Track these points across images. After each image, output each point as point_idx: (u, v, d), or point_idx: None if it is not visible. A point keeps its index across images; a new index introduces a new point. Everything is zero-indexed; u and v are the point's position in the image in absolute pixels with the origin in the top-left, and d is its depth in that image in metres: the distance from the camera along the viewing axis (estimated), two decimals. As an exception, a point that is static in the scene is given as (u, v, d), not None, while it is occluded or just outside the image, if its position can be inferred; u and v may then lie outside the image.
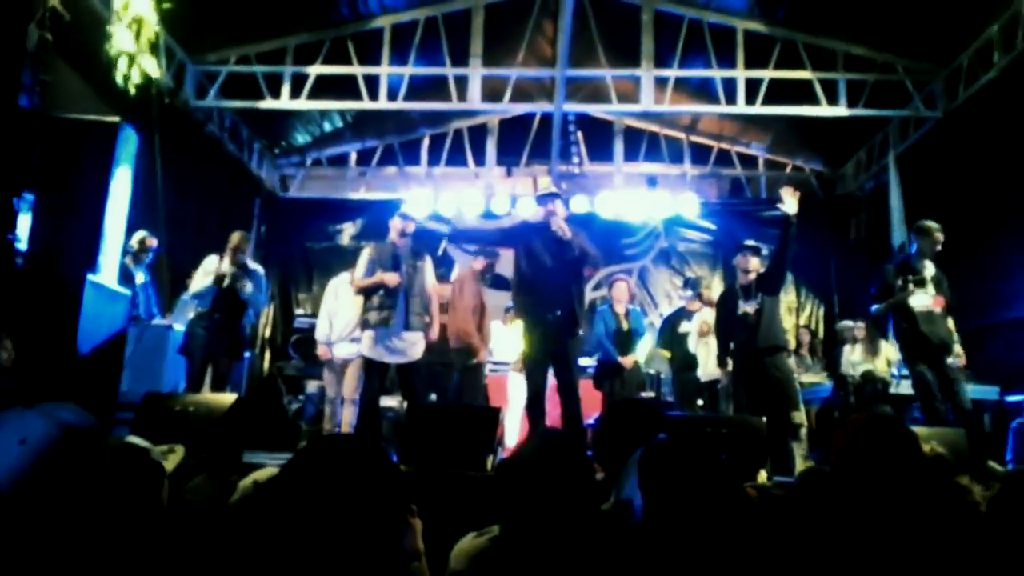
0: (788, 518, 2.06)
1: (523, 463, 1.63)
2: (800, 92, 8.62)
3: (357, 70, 8.78)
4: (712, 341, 6.94)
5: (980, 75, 7.74)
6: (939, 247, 5.78)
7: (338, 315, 6.68)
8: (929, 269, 5.74)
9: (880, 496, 1.86)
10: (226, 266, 6.05)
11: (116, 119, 5.95)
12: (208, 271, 6.07)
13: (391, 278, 5.62)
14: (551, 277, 5.17)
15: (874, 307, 5.94)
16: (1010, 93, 7.27)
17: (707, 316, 7.10)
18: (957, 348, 5.93)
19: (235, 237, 6.18)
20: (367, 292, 5.73)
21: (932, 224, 5.84)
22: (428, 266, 5.92)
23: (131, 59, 6.80)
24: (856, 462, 1.84)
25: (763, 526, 2.03)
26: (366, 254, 5.94)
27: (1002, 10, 7.26)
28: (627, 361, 7.02)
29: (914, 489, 2.03)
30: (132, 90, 6.73)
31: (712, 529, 1.32)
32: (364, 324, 5.73)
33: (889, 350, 8.00)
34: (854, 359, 8.09)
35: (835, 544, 1.92)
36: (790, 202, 5.75)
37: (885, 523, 1.77)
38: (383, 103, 8.86)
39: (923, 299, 5.63)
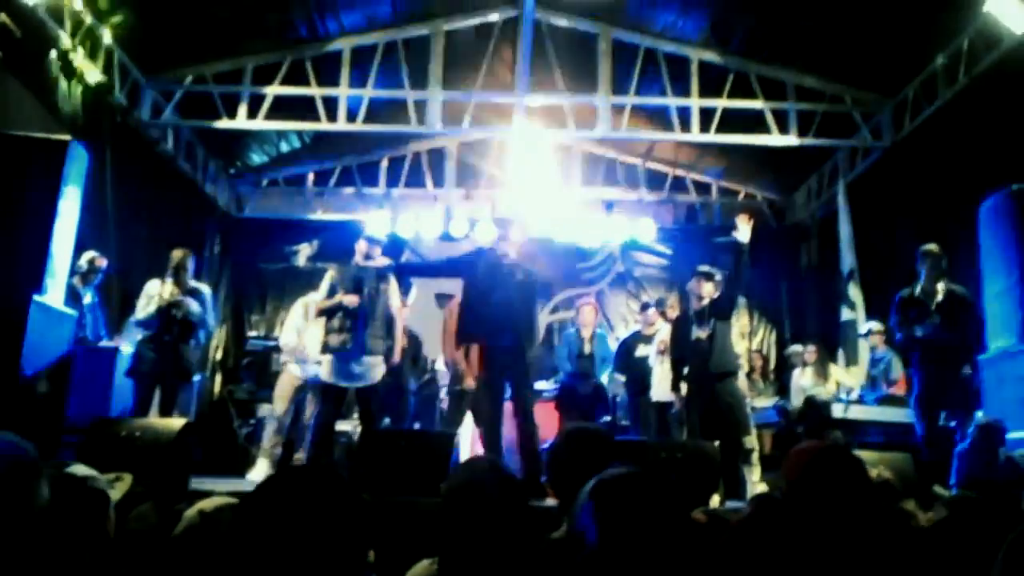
0: (738, 544, 2.09)
1: (449, 494, 1.63)
2: (752, 121, 8.81)
3: (316, 91, 8.75)
4: (666, 364, 7.02)
5: (925, 107, 8.01)
6: (943, 263, 5.94)
7: (307, 333, 6.59)
8: (939, 294, 5.87)
9: (828, 524, 1.89)
10: (168, 288, 5.95)
11: (66, 137, 5.84)
12: (151, 295, 5.96)
13: (350, 299, 5.58)
14: (501, 302, 5.19)
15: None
16: (954, 124, 7.54)
17: (667, 334, 7.18)
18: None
19: (176, 255, 6.06)
20: (328, 314, 5.68)
21: (930, 247, 5.99)
22: (392, 289, 5.88)
23: (74, 73, 6.72)
24: (806, 491, 1.87)
25: (712, 552, 2.05)
26: (328, 276, 5.90)
27: (945, 45, 7.53)
28: (587, 384, 7.07)
29: (861, 516, 2.07)
30: (73, 104, 6.64)
31: (663, 559, 1.34)
32: (324, 347, 5.68)
33: (839, 373, 8.17)
34: (804, 383, 8.22)
35: (782, 571, 1.95)
36: (743, 230, 5.88)
37: (832, 550, 1.80)
38: (342, 124, 8.84)
39: (927, 329, 5.79)
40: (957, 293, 5.93)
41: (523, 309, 5.29)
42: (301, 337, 6.65)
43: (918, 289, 5.99)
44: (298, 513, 1.23)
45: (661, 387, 7.07)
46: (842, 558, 1.97)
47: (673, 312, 7.59)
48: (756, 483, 5.54)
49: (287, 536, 1.20)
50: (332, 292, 5.72)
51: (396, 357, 5.89)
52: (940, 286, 5.91)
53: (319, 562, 1.22)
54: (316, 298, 6.44)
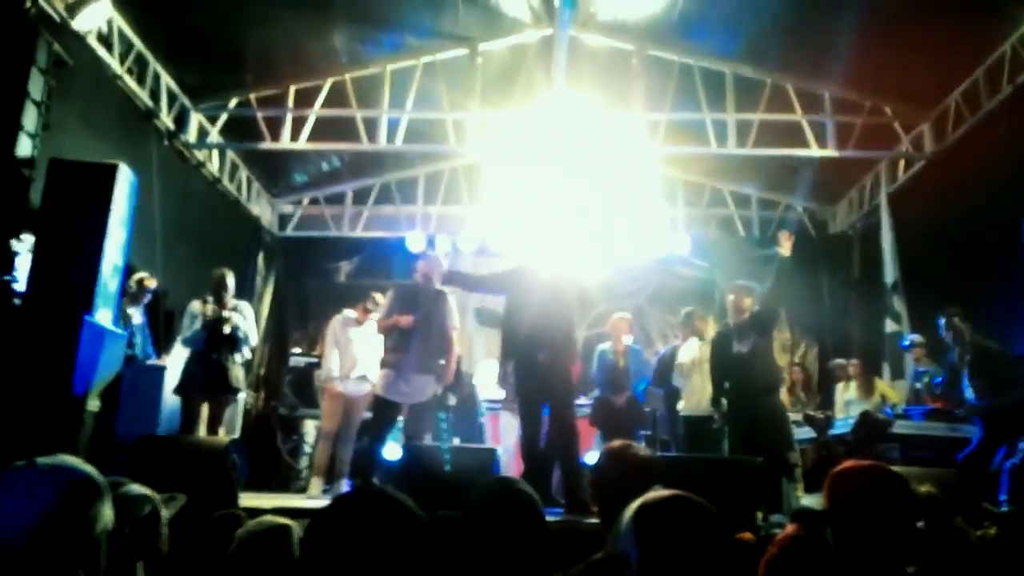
0: (782, 563, 2.08)
1: (468, 517, 1.63)
2: (791, 134, 8.75)
3: (356, 113, 8.90)
4: (700, 374, 6.98)
5: (967, 117, 7.88)
6: (955, 333, 6.12)
7: (343, 353, 6.69)
8: (965, 360, 6.01)
9: (873, 544, 1.88)
10: (211, 307, 6.09)
11: (115, 162, 6.02)
12: (194, 315, 6.11)
13: (404, 320, 5.68)
14: (537, 318, 5.22)
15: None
16: (997, 133, 7.41)
17: (694, 348, 7.14)
18: None
19: (217, 274, 6.22)
20: (386, 332, 5.81)
21: (946, 317, 6.18)
22: (450, 309, 5.95)
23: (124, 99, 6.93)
24: (850, 511, 1.87)
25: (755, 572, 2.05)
26: (389, 295, 6.04)
27: (987, 54, 7.42)
28: (621, 398, 7.02)
29: (906, 535, 2.06)
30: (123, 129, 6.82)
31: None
32: (381, 364, 5.82)
33: (884, 387, 8.03)
34: (848, 397, 8.10)
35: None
36: (785, 245, 5.85)
37: (878, 569, 1.80)
38: (382, 145, 8.97)
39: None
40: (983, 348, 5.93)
41: (560, 324, 5.31)
42: (337, 354, 6.72)
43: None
44: (366, 537, 1.25)
45: (690, 401, 7.01)
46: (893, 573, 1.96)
47: (702, 324, 7.49)
48: (800, 498, 5.47)
49: (354, 560, 1.23)
50: (391, 311, 5.83)
51: (450, 377, 5.96)
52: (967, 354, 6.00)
53: None
54: (350, 315, 6.62)
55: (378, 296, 6.69)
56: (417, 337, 5.69)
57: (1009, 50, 7.16)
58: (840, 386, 8.34)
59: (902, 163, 9.23)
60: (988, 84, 7.53)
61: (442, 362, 5.85)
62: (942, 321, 6.27)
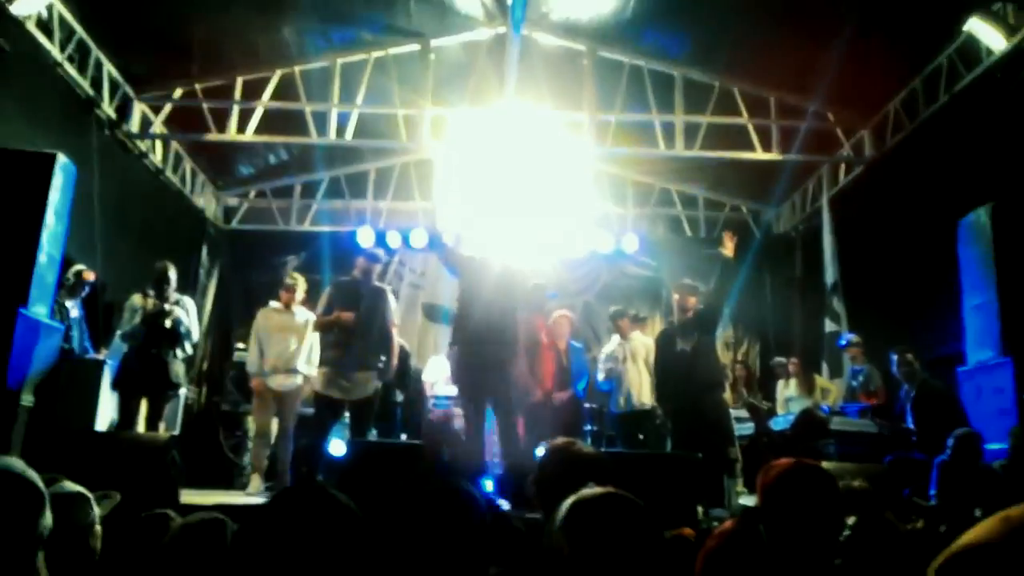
0: (719, 558, 2.14)
1: (402, 513, 1.64)
2: (737, 137, 8.92)
3: (305, 106, 8.79)
4: (637, 369, 7.12)
5: (906, 123, 8.13)
6: (908, 370, 6.51)
7: (268, 345, 6.43)
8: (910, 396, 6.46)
9: (802, 535, 1.95)
10: (151, 301, 5.97)
11: (53, 151, 5.87)
12: (134, 309, 5.98)
13: (347, 316, 5.62)
14: (490, 310, 5.23)
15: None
16: (934, 141, 7.66)
17: (614, 345, 7.40)
18: None
19: (158, 267, 6.10)
20: (325, 329, 5.73)
21: (898, 355, 6.58)
22: (390, 305, 5.92)
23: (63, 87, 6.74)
24: (778, 506, 1.93)
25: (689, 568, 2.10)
26: (328, 291, 5.95)
27: (925, 64, 7.67)
28: (562, 396, 7.05)
29: (834, 527, 2.13)
30: (61, 118, 6.65)
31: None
32: (320, 362, 5.75)
33: (823, 384, 8.25)
34: (788, 394, 8.31)
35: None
36: (728, 245, 5.97)
37: (807, 565, 1.86)
38: (331, 139, 8.88)
39: None
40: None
41: (509, 319, 5.32)
42: (265, 353, 6.43)
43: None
44: (299, 534, 1.25)
45: (632, 394, 7.17)
46: (817, 570, 2.03)
47: (624, 323, 7.59)
48: (740, 493, 5.60)
49: (286, 557, 1.23)
50: (330, 308, 5.76)
51: (390, 373, 5.93)
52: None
53: None
54: (278, 307, 6.50)
55: (296, 276, 6.63)
56: (358, 334, 5.64)
57: (946, 61, 7.40)
58: (780, 383, 8.55)
59: (843, 167, 9.48)
60: (925, 93, 7.77)
61: (384, 358, 5.82)
62: (895, 358, 6.48)
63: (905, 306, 7.94)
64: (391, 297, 5.97)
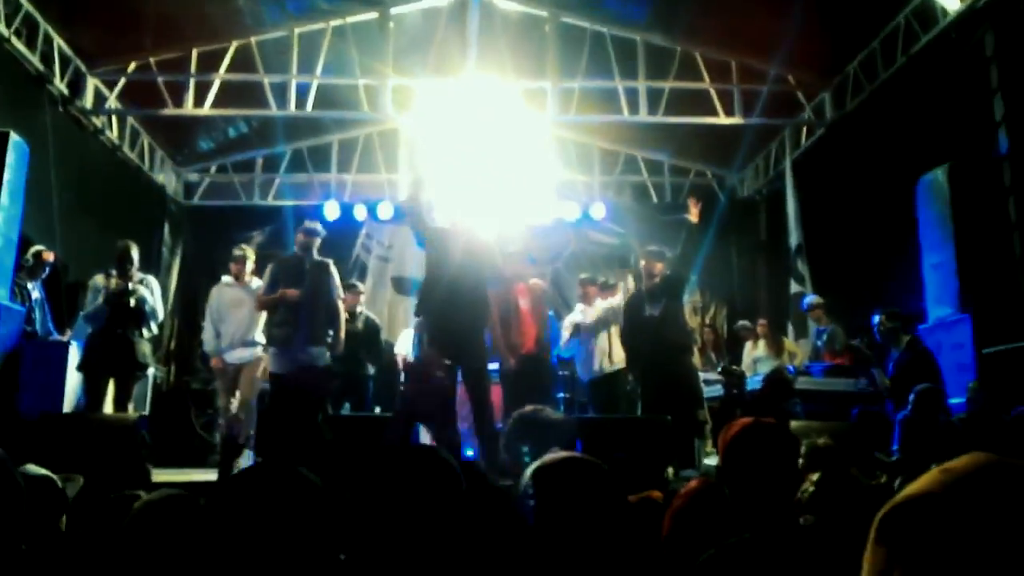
0: (683, 515, 2.19)
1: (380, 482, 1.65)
2: (700, 101, 8.95)
3: (263, 78, 8.65)
4: (607, 334, 7.17)
5: (866, 85, 8.21)
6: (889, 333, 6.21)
7: (225, 321, 6.28)
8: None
9: (761, 493, 1.99)
10: (114, 281, 5.87)
11: (5, 129, 5.73)
12: (97, 289, 5.88)
13: (292, 293, 5.54)
14: (458, 279, 5.22)
15: None
16: (893, 102, 7.76)
17: (578, 313, 7.46)
18: None
19: (120, 247, 5.99)
20: (270, 308, 5.64)
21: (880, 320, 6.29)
22: (334, 279, 5.85)
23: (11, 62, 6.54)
24: (737, 465, 1.98)
25: (660, 528, 2.14)
26: (268, 270, 5.84)
27: (883, 24, 7.73)
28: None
29: (792, 485, 2.19)
30: (11, 95, 6.47)
31: (597, 541, 1.41)
32: (268, 339, 5.65)
33: (790, 346, 8.39)
34: (756, 355, 8.43)
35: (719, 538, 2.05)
36: (693, 211, 6.02)
37: (764, 520, 1.91)
38: (291, 110, 8.76)
39: None
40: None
41: (477, 288, 5.32)
42: (220, 331, 6.26)
43: None
44: (262, 510, 1.26)
45: (598, 359, 7.22)
46: (779, 525, 2.08)
47: (591, 289, 7.61)
48: (709, 454, 5.70)
49: (249, 532, 1.24)
50: (274, 285, 5.67)
51: (340, 347, 5.87)
52: None
53: (284, 559, 1.26)
54: (229, 280, 6.35)
55: (244, 247, 6.51)
56: (304, 310, 5.57)
57: (903, 22, 7.47)
58: (748, 345, 8.67)
59: (805, 130, 9.56)
60: (884, 55, 7.85)
61: (332, 332, 5.77)
62: (876, 321, 6.36)
63: (867, 266, 8.08)
64: (334, 270, 5.88)
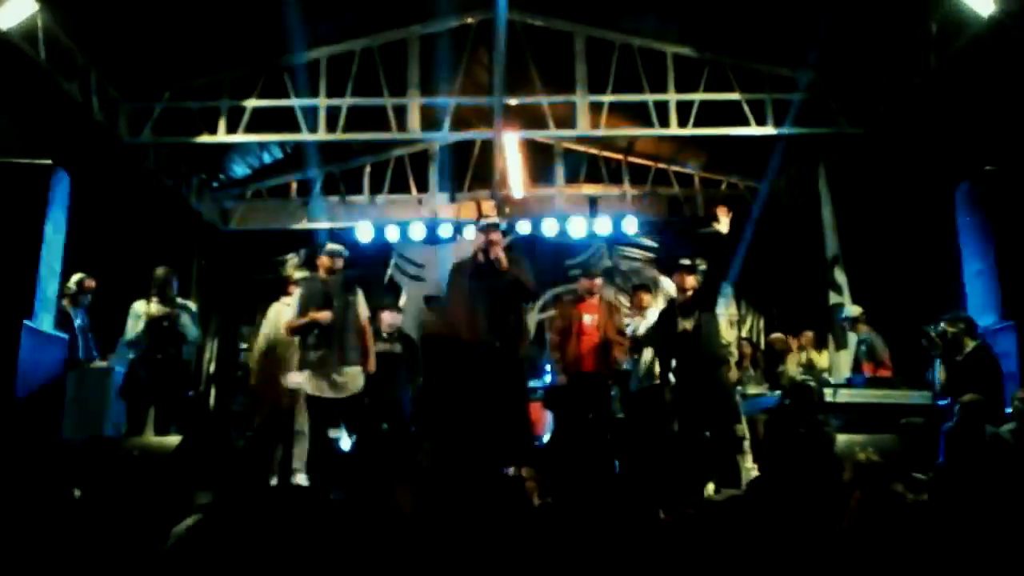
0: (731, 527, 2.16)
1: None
2: (730, 112, 8.88)
3: (295, 102, 8.77)
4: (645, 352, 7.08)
5: (899, 91, 8.08)
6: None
7: (285, 342, 6.18)
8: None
9: (800, 507, 1.96)
10: (154, 306, 5.96)
11: (48, 162, 5.86)
12: (138, 315, 5.97)
13: (323, 316, 5.56)
14: (488, 308, 5.23)
15: None
16: (927, 108, 7.63)
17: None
18: None
19: (159, 272, 6.07)
20: (302, 332, 5.66)
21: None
22: (360, 300, 5.87)
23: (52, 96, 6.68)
24: (776, 478, 1.94)
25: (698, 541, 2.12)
26: (297, 294, 5.84)
27: (915, 30, 7.62)
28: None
29: (831, 499, 2.14)
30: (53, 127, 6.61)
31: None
32: (302, 364, 5.66)
33: (830, 356, 8.22)
34: (800, 367, 8.31)
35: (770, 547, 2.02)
36: (723, 221, 5.95)
37: (804, 533, 1.87)
38: (322, 135, 8.86)
39: None
40: None
41: (510, 314, 5.33)
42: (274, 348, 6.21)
43: None
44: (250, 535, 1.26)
45: (644, 371, 7.12)
46: (815, 539, 2.04)
47: (647, 299, 7.55)
48: (749, 469, 5.59)
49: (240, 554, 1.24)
50: (303, 310, 5.68)
51: (370, 367, 5.86)
52: None
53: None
54: (287, 301, 6.24)
55: (290, 268, 6.53)
56: (336, 332, 5.59)
57: (936, 25, 7.35)
58: (791, 356, 8.55)
59: (838, 138, 9.42)
60: (918, 59, 7.72)
61: (362, 351, 5.77)
62: (939, 328, 5.88)
63: (906, 275, 7.93)
64: (360, 291, 5.90)
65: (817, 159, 9.79)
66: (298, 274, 6.33)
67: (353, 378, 5.66)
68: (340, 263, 5.80)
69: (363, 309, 5.86)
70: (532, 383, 7.36)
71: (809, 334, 8.54)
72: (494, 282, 5.29)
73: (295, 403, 6.13)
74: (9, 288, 5.51)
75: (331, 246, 5.93)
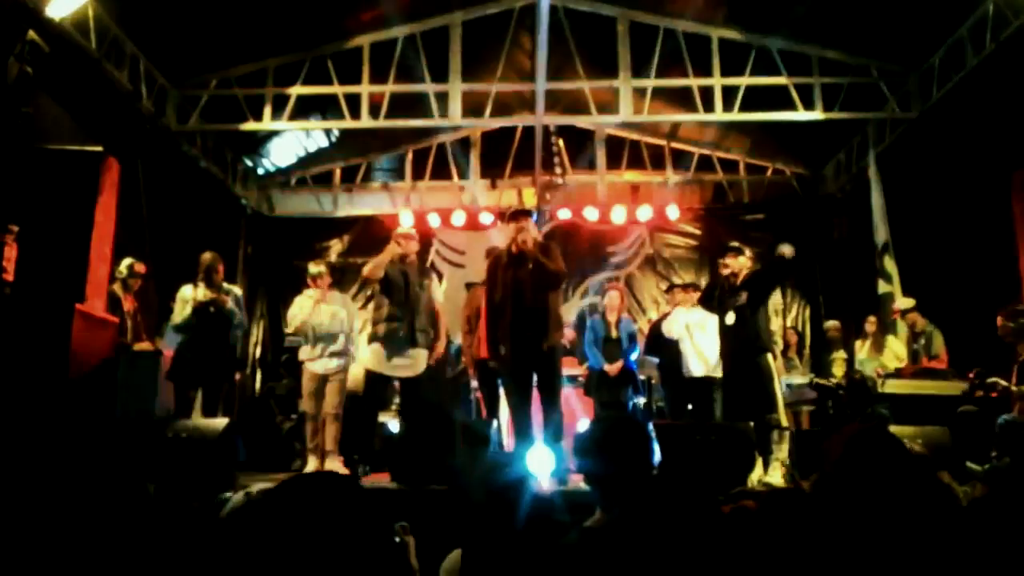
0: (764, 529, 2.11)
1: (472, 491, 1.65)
2: (777, 97, 8.71)
3: (338, 89, 8.82)
4: (697, 339, 7.05)
5: (952, 75, 7.85)
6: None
7: (314, 330, 6.30)
8: None
9: (870, 505, 1.91)
10: (201, 291, 6.06)
11: (98, 148, 5.99)
12: (185, 299, 6.08)
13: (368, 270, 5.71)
14: (522, 296, 5.22)
15: None
16: (983, 91, 7.40)
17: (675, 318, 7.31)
18: None
19: (206, 258, 6.16)
20: (376, 305, 5.77)
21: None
22: (435, 284, 5.97)
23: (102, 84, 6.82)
24: (848, 472, 1.90)
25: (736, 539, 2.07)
26: (387, 251, 5.82)
27: (971, 11, 7.39)
28: (613, 368, 7.07)
29: (903, 495, 2.08)
30: (103, 115, 6.73)
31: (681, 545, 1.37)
32: (371, 337, 5.74)
33: (895, 345, 8.05)
34: (861, 356, 8.17)
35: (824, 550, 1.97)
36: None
37: (876, 528, 1.82)
38: (365, 121, 8.90)
39: None
40: None
41: (546, 299, 5.30)
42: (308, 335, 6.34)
43: None
44: (300, 521, 1.27)
45: (691, 363, 7.11)
46: (885, 535, 1.99)
47: (682, 295, 7.56)
48: (782, 459, 5.49)
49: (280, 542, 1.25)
50: (386, 288, 5.75)
51: (440, 350, 5.96)
52: None
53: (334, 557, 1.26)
54: (309, 293, 6.39)
55: (320, 261, 6.66)
56: (408, 310, 5.67)
57: (992, 7, 7.12)
58: (857, 344, 8.43)
59: (889, 123, 9.20)
60: (972, 42, 7.49)
61: (434, 336, 5.86)
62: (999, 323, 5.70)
63: (959, 264, 7.73)
64: (435, 276, 6.02)
65: (866, 144, 9.57)
66: (315, 268, 6.43)
67: (417, 360, 5.73)
68: (413, 245, 5.89)
69: (438, 293, 5.95)
70: (568, 372, 7.32)
71: (873, 318, 8.39)
72: (523, 269, 5.27)
73: (325, 386, 6.21)
74: (62, 273, 5.65)
75: (402, 228, 6.05)
